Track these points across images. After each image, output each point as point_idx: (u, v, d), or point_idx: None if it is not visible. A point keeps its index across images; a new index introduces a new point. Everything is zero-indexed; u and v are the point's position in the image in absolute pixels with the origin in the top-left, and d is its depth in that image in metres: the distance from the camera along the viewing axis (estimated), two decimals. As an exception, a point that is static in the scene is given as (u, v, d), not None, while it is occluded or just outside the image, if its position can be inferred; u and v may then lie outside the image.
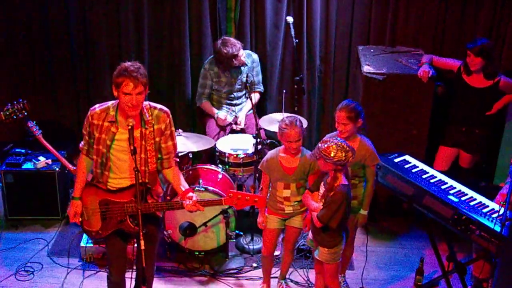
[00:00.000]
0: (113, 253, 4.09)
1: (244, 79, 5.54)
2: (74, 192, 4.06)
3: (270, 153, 4.50)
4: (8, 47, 6.04)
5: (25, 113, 4.79)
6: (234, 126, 5.83)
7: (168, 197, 4.99)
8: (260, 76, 5.93)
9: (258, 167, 4.61)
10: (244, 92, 5.90)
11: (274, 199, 4.49)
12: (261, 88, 5.97)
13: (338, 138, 4.03)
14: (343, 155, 3.90)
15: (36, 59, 6.11)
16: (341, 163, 3.92)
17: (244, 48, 5.76)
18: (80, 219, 4.06)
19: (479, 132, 5.19)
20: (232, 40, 5.59)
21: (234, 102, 5.90)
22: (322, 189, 4.14)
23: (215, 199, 3.93)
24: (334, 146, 3.91)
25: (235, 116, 5.89)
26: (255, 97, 5.90)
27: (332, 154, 3.89)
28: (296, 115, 4.57)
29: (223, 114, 5.77)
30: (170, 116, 3.97)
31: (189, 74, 6.11)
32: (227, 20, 6.03)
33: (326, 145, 3.92)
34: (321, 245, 4.22)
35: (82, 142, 4.02)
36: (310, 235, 4.35)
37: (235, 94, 5.86)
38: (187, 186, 4.03)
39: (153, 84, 6.09)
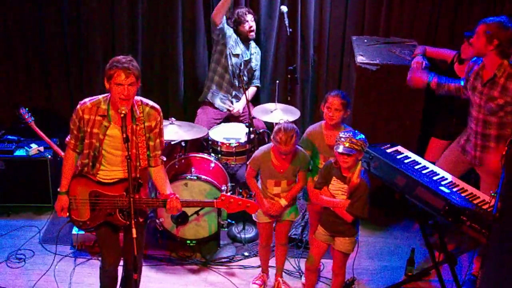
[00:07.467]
0: (106, 242, 4.05)
1: (250, 64, 5.75)
2: (60, 187, 4.01)
3: (262, 150, 4.43)
4: (2, 37, 6.00)
5: None
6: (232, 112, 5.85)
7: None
8: (259, 72, 5.93)
9: (247, 163, 4.55)
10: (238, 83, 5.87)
11: (265, 196, 4.46)
12: (258, 83, 6.00)
13: (347, 131, 4.16)
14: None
15: (30, 48, 6.05)
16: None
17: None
18: (68, 214, 4.04)
19: None
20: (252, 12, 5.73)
21: (231, 91, 5.84)
22: (335, 183, 4.17)
23: (207, 201, 3.98)
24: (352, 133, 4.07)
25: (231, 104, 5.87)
26: (251, 91, 5.90)
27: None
28: (292, 124, 4.32)
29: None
30: (161, 114, 3.95)
31: (181, 62, 6.07)
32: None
33: (358, 137, 4.03)
34: (342, 236, 4.23)
35: (69, 136, 3.96)
36: (321, 231, 4.31)
37: (234, 81, 5.80)
38: (171, 190, 4.04)
39: (147, 73, 6.07)
